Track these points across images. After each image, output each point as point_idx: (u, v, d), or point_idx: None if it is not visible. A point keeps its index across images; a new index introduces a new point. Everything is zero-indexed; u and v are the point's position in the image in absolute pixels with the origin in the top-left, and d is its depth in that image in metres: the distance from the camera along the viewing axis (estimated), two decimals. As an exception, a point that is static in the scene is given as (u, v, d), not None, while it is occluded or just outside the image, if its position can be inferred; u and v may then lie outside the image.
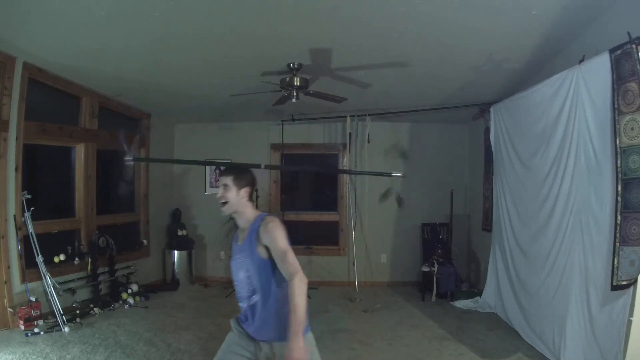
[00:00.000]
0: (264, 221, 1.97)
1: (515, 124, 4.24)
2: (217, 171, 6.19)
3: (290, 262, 1.83)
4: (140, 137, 5.77)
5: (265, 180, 6.23)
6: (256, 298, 1.98)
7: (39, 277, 4.03)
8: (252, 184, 2.09)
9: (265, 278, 1.96)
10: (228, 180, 2.03)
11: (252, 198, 2.12)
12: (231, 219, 2.18)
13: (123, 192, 5.74)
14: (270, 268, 1.94)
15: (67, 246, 4.59)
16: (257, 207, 2.18)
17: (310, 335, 2.00)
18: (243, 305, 2.05)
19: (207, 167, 6.39)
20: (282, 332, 1.92)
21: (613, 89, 2.67)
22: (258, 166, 2.33)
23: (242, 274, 2.02)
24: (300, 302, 1.75)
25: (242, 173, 2.08)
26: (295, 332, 1.72)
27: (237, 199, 2.03)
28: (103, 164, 5.14)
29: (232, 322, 2.12)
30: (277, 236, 1.89)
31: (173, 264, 6.00)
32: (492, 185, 4.91)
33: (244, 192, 2.04)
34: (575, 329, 3.12)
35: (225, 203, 2.03)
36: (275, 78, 4.01)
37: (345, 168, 6.19)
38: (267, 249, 1.92)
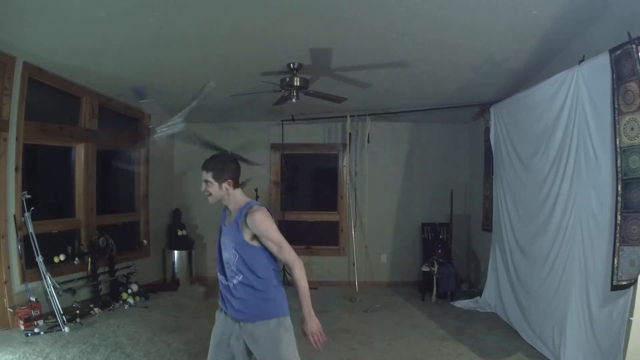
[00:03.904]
0: (251, 210, 2.02)
1: (515, 124, 4.24)
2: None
3: (288, 250, 2.01)
4: (141, 136, 5.77)
5: (265, 180, 6.23)
6: (239, 279, 2.04)
7: (39, 277, 4.03)
8: (233, 175, 2.11)
9: (249, 262, 2.02)
10: (208, 176, 2.08)
11: (239, 184, 2.15)
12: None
13: (124, 190, 5.75)
14: (254, 253, 2.02)
15: (67, 246, 4.59)
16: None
17: (289, 320, 2.09)
18: (225, 284, 2.10)
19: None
20: (263, 312, 2.03)
21: (613, 89, 2.67)
22: (226, 152, 2.28)
23: (227, 255, 2.08)
24: (306, 285, 2.00)
25: (221, 166, 2.09)
26: (308, 310, 2.00)
27: (219, 192, 2.09)
28: (103, 164, 5.14)
29: (217, 312, 2.21)
30: (268, 228, 1.99)
31: (173, 263, 5.99)
32: (492, 185, 4.91)
33: (226, 185, 2.08)
34: (575, 329, 3.12)
35: (209, 195, 2.11)
36: (275, 78, 4.00)
37: (345, 167, 6.19)
38: (256, 237, 2.01)
